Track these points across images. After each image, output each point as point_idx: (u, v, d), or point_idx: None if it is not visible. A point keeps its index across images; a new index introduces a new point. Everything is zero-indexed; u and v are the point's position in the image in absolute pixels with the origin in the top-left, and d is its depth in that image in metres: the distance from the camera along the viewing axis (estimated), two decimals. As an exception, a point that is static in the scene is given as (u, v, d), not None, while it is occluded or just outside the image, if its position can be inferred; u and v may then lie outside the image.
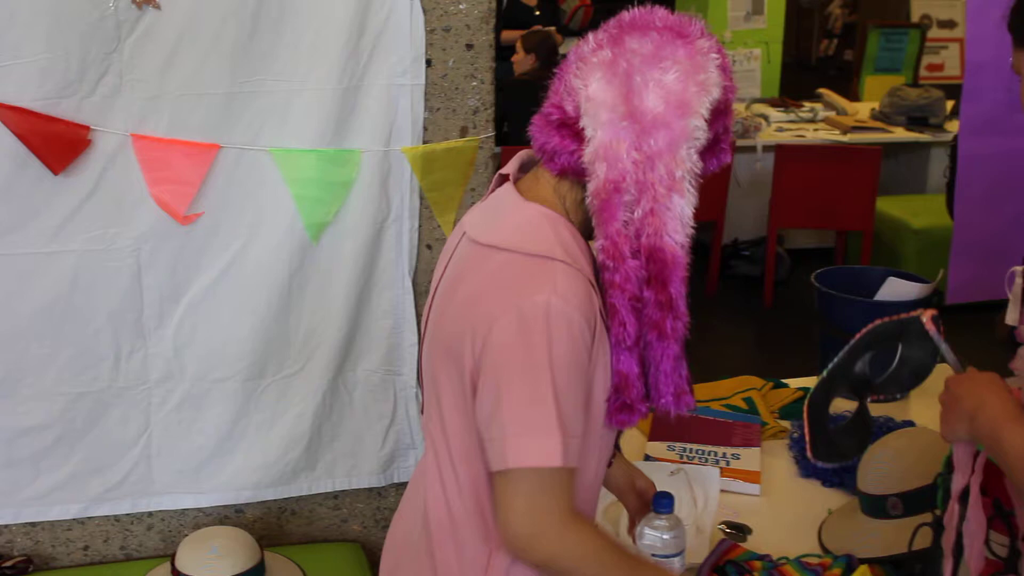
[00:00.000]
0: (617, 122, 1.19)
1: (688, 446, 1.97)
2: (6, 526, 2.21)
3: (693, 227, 1.22)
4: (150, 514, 2.28)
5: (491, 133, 2.19)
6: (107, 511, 2.24)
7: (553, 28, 5.83)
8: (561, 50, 5.83)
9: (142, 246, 2.08)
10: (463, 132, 2.18)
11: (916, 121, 5.59)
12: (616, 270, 1.20)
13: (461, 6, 2.09)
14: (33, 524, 2.22)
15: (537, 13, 6.05)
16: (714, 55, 1.22)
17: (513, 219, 1.26)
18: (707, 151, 1.24)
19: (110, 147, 2.00)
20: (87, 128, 1.97)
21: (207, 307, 2.15)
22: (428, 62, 2.11)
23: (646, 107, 1.19)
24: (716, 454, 1.95)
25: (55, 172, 1.98)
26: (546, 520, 1.19)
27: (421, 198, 2.20)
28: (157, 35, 1.96)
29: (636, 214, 1.20)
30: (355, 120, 2.11)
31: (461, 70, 2.14)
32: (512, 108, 4.91)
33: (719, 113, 1.24)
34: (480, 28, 2.11)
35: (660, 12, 1.24)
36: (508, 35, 5.49)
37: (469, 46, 2.13)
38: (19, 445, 2.14)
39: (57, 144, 1.97)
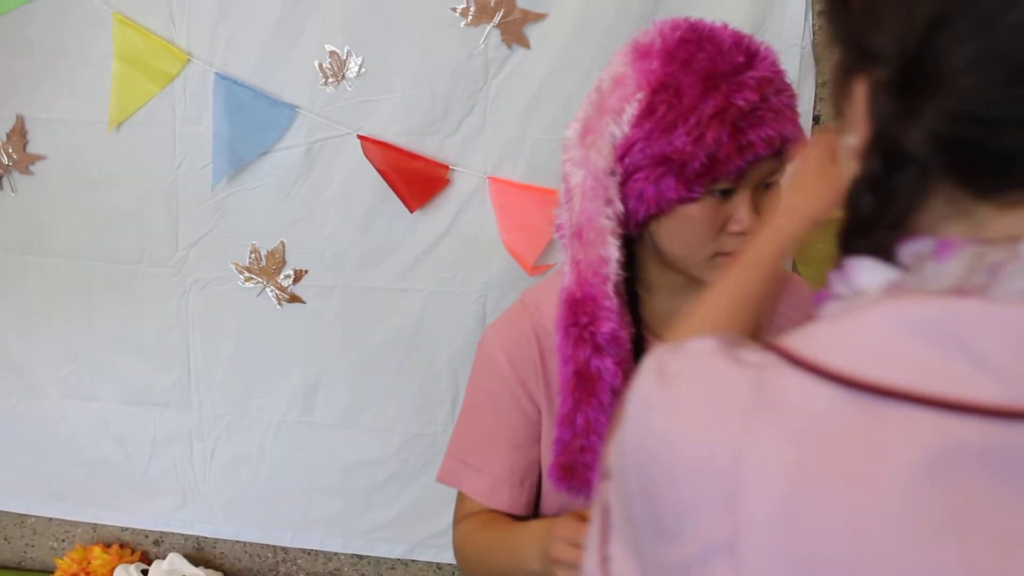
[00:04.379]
0: None
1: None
2: (335, 554, 2.22)
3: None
4: (471, 567, 2.20)
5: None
6: (431, 557, 2.18)
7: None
8: None
9: (488, 293, 1.99)
10: (850, 201, 1.86)
11: None
12: None
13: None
14: (360, 557, 2.22)
15: None
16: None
17: None
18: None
19: (467, 188, 1.93)
20: (446, 167, 1.91)
21: (547, 364, 2.02)
22: (816, 119, 1.83)
23: None
24: None
25: (411, 210, 1.94)
26: (453, 519, 1.37)
27: (793, 271, 1.92)
28: (524, 75, 1.85)
29: None
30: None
31: (856, 129, 1.82)
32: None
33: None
34: (883, 81, 1.78)
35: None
36: None
37: (868, 102, 1.81)
38: (354, 476, 2.14)
39: (416, 182, 1.92)
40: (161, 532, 2.31)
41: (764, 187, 1.09)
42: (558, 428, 1.13)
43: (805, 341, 0.57)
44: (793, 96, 1.09)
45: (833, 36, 0.66)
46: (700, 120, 1.01)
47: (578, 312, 1.10)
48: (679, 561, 0.57)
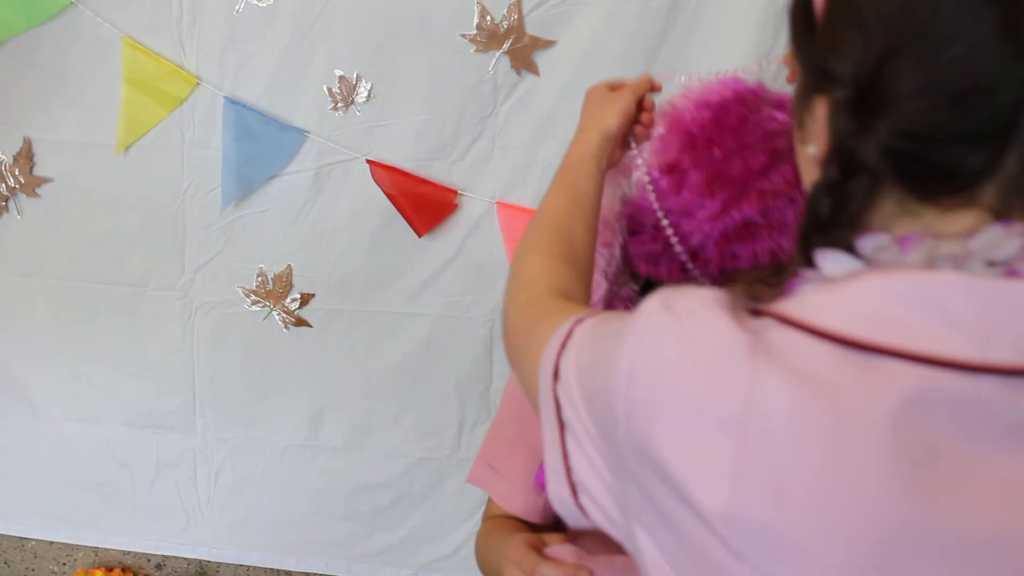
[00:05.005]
0: None
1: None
2: (339, 578, 2.22)
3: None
4: (476, 592, 2.19)
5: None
6: (435, 581, 2.18)
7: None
8: None
9: (496, 317, 1.99)
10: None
11: None
12: None
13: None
14: (364, 580, 2.21)
15: None
16: None
17: None
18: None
19: (475, 213, 1.93)
20: (455, 192, 1.91)
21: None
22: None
23: None
24: None
25: (419, 234, 1.94)
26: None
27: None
28: (533, 102, 1.86)
29: None
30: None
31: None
32: None
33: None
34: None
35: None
36: None
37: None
38: (358, 500, 2.14)
39: (425, 207, 1.92)
40: (164, 556, 2.30)
41: (763, 284, 1.04)
42: None
43: (796, 307, 0.64)
44: None
45: (797, 58, 0.75)
46: (692, 217, 1.00)
47: None
48: (665, 481, 0.64)
